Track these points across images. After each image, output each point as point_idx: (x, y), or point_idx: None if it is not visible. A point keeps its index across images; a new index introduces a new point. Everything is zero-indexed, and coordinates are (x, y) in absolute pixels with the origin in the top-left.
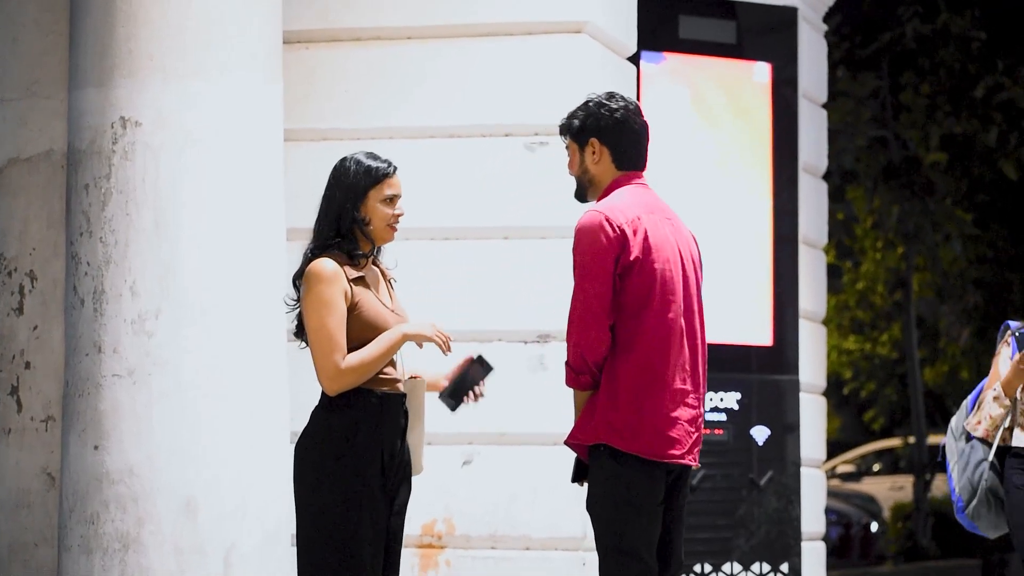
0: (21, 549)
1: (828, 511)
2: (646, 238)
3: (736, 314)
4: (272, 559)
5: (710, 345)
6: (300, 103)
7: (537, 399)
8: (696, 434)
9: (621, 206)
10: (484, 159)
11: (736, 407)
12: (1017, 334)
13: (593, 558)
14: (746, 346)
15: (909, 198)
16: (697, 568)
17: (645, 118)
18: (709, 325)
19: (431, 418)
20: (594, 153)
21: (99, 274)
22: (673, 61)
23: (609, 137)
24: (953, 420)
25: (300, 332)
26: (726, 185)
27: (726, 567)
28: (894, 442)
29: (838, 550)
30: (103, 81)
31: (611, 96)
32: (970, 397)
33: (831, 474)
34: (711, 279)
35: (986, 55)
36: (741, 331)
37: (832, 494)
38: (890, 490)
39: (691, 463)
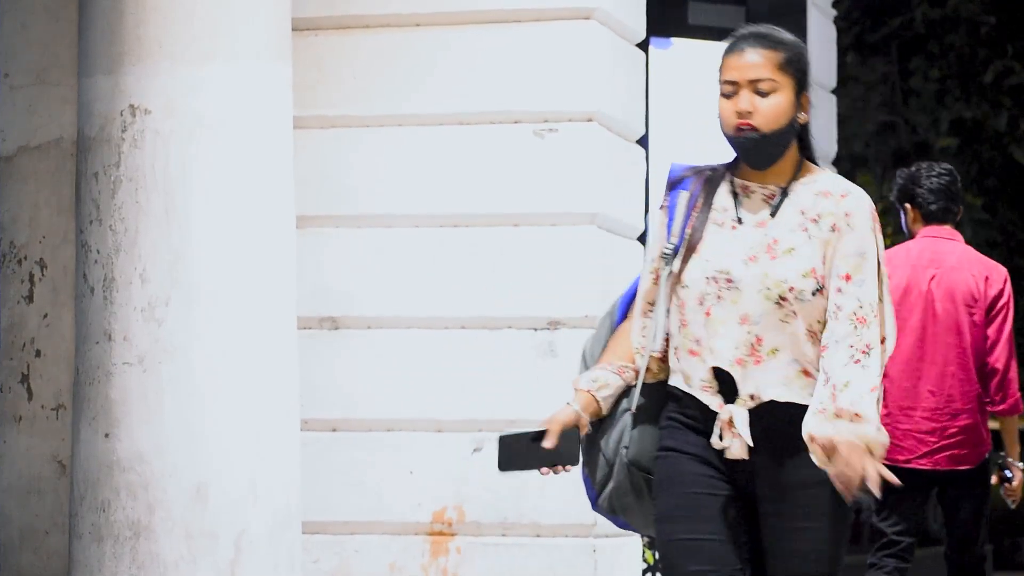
0: (32, 536)
1: None
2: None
3: None
4: (282, 543)
5: None
6: (309, 90)
7: (546, 386)
8: (939, 443)
9: (886, 253)
10: (493, 146)
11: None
12: (677, 192)
13: (602, 544)
14: None
15: None
16: None
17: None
18: None
19: (439, 404)
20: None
21: (109, 262)
22: (682, 47)
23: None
24: (588, 342)
25: None
26: None
27: None
28: None
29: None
30: (112, 68)
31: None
32: (620, 299)
33: None
34: None
35: (995, 39)
36: None
37: None
38: None
39: (925, 467)
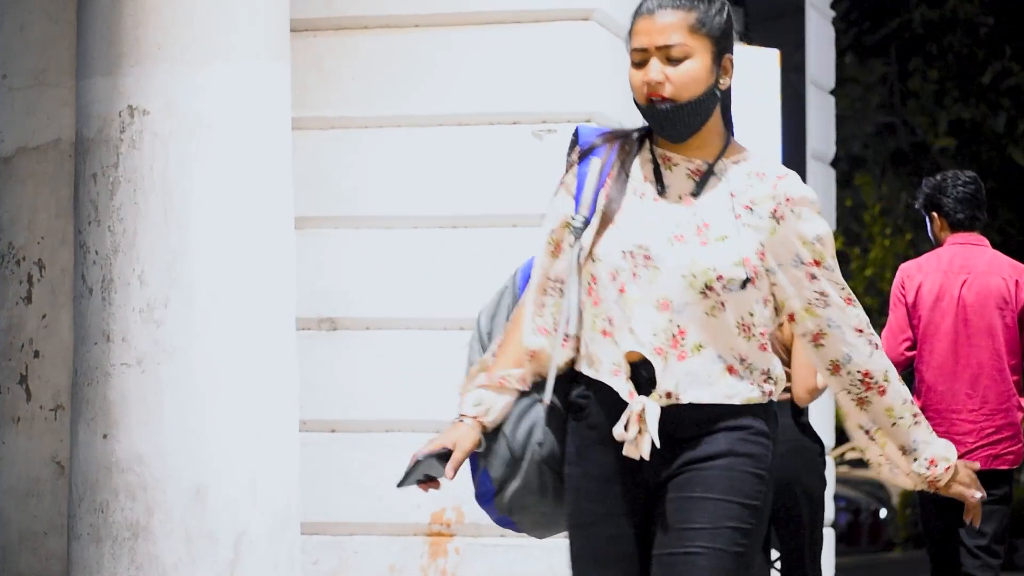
0: (30, 538)
1: (837, 498)
2: (918, 290)
3: None
4: (281, 544)
5: None
6: (308, 91)
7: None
8: (977, 443)
9: (916, 262)
10: (492, 147)
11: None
12: (588, 160)
13: None
14: None
15: (917, 184)
16: None
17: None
18: None
19: (438, 405)
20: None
21: (107, 263)
22: None
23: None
24: (482, 315)
25: None
26: None
27: None
28: None
29: (847, 536)
30: (111, 70)
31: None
32: (520, 271)
33: (840, 461)
34: None
35: (994, 40)
36: None
37: (841, 481)
38: None
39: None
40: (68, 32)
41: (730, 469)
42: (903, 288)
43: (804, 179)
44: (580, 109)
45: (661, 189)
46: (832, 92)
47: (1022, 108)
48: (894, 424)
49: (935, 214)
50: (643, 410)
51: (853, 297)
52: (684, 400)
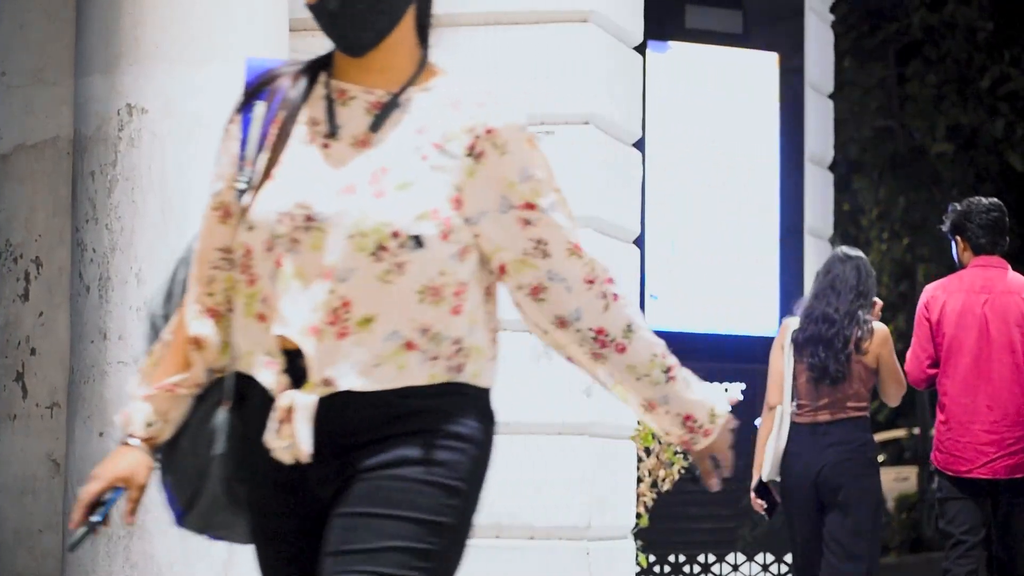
0: (26, 535)
1: None
2: (942, 309)
3: (742, 304)
4: None
5: (715, 335)
6: None
7: (541, 389)
8: (997, 454)
9: (941, 284)
10: None
11: (741, 397)
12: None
13: (595, 547)
14: (752, 336)
15: (915, 188)
16: (701, 558)
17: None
18: (714, 315)
19: None
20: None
21: (105, 261)
22: (679, 50)
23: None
24: (155, 299)
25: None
26: (732, 176)
27: (730, 557)
28: (898, 433)
29: None
30: (109, 68)
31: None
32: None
33: None
34: (717, 270)
35: (993, 45)
36: (747, 321)
37: None
38: (894, 481)
39: (984, 476)
40: (67, 30)
41: (401, 479)
42: (927, 309)
43: (801, 182)
44: (578, 110)
45: (332, 130)
46: (830, 96)
47: (1020, 113)
48: (638, 379)
49: (959, 238)
50: (291, 407)
51: (581, 246)
52: (342, 387)
